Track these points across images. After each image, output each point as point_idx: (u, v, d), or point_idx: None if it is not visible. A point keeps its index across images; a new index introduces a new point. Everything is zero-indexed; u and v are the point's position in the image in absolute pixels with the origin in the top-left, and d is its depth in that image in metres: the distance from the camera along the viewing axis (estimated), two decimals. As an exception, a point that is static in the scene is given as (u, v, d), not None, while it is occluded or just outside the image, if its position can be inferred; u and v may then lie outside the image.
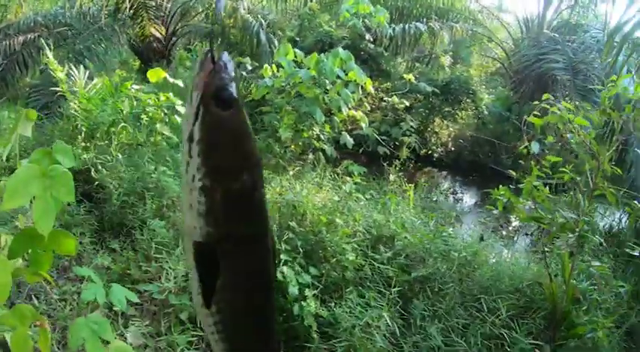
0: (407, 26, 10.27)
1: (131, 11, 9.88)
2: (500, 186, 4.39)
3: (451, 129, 10.93)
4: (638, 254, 4.56)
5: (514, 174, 4.66)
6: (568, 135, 4.35)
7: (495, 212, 5.00)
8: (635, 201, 5.45)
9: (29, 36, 10.91)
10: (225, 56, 0.95)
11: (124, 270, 3.96)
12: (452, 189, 9.23)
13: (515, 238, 7.61)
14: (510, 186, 4.58)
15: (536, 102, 4.54)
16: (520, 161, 4.71)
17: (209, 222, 0.99)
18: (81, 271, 3.18)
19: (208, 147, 0.95)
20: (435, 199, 7.96)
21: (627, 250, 4.69)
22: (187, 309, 3.46)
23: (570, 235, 4.25)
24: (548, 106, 4.30)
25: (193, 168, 0.96)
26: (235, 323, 1.17)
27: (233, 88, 0.95)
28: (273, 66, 6.02)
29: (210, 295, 1.08)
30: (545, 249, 4.40)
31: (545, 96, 4.37)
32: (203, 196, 0.97)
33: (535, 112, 4.44)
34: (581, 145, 4.29)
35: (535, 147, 4.44)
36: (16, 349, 1.44)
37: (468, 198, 9.07)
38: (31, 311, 1.45)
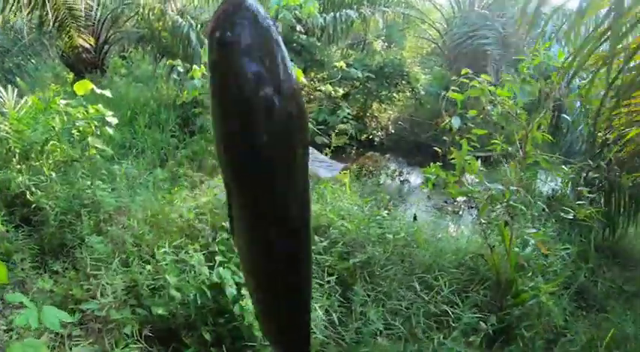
0: (338, 14, 10.33)
1: (57, 23, 9.56)
2: (433, 163, 4.49)
3: (390, 112, 11.10)
4: (573, 217, 4.72)
5: (439, 150, 4.78)
6: (489, 108, 4.47)
7: (426, 190, 5.11)
8: (569, 166, 5.71)
9: (-47, 56, 10.50)
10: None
11: (66, 291, 3.92)
12: (397, 171, 9.38)
13: (461, 213, 7.82)
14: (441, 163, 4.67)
15: (454, 78, 4.65)
16: (445, 138, 4.79)
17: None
18: (13, 298, 3.15)
19: (212, 86, 1.06)
20: (381, 183, 8.10)
21: (562, 214, 4.82)
22: (130, 322, 3.46)
23: (498, 206, 4.40)
24: (466, 80, 4.39)
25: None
26: (246, 252, 1.30)
27: (233, 30, 0.97)
28: (203, 66, 5.99)
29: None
30: (482, 221, 4.49)
31: (463, 71, 4.44)
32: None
33: (454, 87, 4.53)
34: (505, 116, 4.42)
35: (456, 123, 4.52)
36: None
37: (414, 178, 9.26)
38: None
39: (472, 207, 7.72)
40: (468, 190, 4.42)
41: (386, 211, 4.86)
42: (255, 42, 0.99)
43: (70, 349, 3.43)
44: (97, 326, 3.65)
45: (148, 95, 9.04)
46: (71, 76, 12.23)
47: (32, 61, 10.32)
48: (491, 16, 11.58)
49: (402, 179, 9.13)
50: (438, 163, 4.51)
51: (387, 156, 10.12)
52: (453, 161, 4.35)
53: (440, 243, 4.70)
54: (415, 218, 5.03)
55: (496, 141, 4.43)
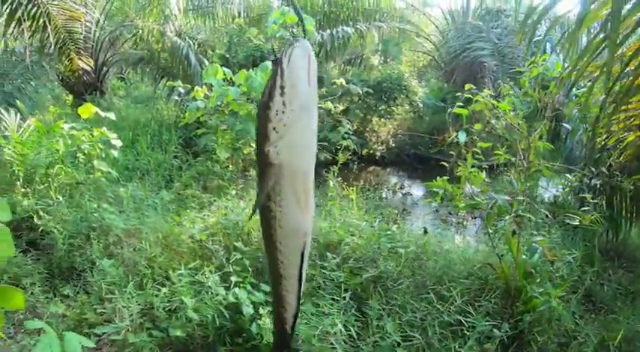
0: (335, 31, 10.45)
1: (57, 46, 9.65)
2: (439, 177, 4.54)
3: (390, 126, 11.16)
4: (578, 223, 4.77)
5: (447, 164, 4.84)
6: (493, 121, 4.55)
7: (434, 204, 5.16)
8: (570, 173, 5.75)
9: (-48, 79, 10.56)
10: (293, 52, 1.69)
11: (79, 315, 3.92)
12: (399, 185, 9.43)
13: (465, 223, 7.86)
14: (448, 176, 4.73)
15: (458, 94, 4.72)
16: (451, 152, 4.86)
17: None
18: (32, 324, 3.13)
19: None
20: (384, 197, 8.13)
21: (567, 221, 4.89)
22: (147, 346, 3.46)
23: (508, 217, 4.44)
24: (471, 95, 4.47)
25: None
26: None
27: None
28: (204, 87, 6.05)
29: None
30: (489, 230, 4.53)
31: (466, 87, 4.53)
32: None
33: (459, 103, 4.60)
34: (509, 128, 4.49)
35: (462, 137, 4.58)
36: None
37: (416, 191, 9.29)
38: None
39: (476, 217, 7.77)
40: (475, 203, 4.45)
41: (395, 226, 4.88)
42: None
43: (87, 374, 3.42)
44: (114, 350, 3.65)
45: (149, 116, 9.09)
46: (70, 98, 12.31)
47: (32, 83, 10.36)
48: (486, 27, 11.70)
49: (404, 192, 9.16)
50: (444, 177, 4.55)
51: (389, 170, 10.17)
52: (458, 174, 4.39)
53: (448, 254, 4.73)
54: (426, 231, 5.05)
55: (499, 151, 4.49)
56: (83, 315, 3.91)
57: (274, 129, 1.76)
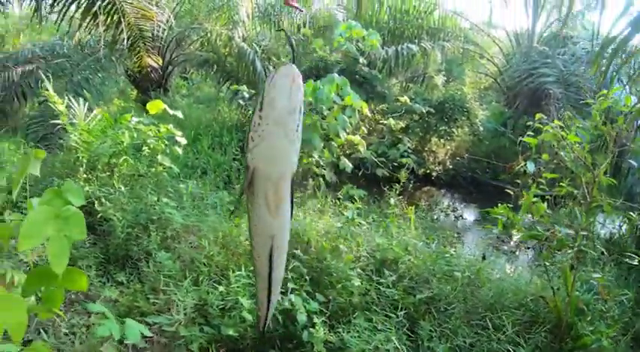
0: (399, 48, 10.44)
1: (128, 42, 9.99)
2: (500, 203, 4.47)
3: (448, 147, 11.00)
4: (638, 263, 4.60)
5: (513, 192, 4.75)
6: (562, 153, 4.44)
7: (495, 230, 5.04)
8: (631, 211, 5.53)
9: (27, 67, 11.12)
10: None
11: (131, 303, 3.98)
12: (451, 207, 9.26)
13: (517, 253, 7.65)
14: (509, 204, 4.64)
15: (529, 122, 4.64)
16: (517, 180, 4.76)
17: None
18: (94, 307, 3.22)
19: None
20: (435, 218, 8.00)
21: (627, 260, 4.74)
22: (197, 340, 3.49)
23: (569, 251, 4.31)
24: (540, 126, 4.40)
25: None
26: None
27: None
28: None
29: None
30: (546, 263, 4.45)
31: (536, 116, 4.48)
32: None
33: (529, 132, 4.53)
34: (576, 160, 4.38)
35: (530, 167, 4.51)
36: (31, 386, 1.47)
37: (468, 215, 9.10)
38: (47, 349, 1.49)
39: (529, 248, 7.56)
40: (537, 234, 4.36)
41: (453, 249, 4.79)
42: None
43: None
44: (164, 341, 3.68)
45: (210, 117, 9.25)
46: (135, 92, 12.73)
47: (99, 75, 10.75)
48: (552, 53, 11.41)
49: (456, 215, 8.99)
50: (505, 204, 4.47)
51: (443, 191, 10.01)
52: (521, 202, 4.32)
53: (501, 282, 4.62)
54: (484, 258, 4.93)
55: (562, 183, 4.39)
56: (135, 303, 3.97)
57: (251, 137, 2.09)
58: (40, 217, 1.26)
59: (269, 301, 2.66)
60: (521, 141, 4.66)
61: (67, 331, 3.77)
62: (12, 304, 1.29)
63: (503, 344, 3.73)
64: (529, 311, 4.18)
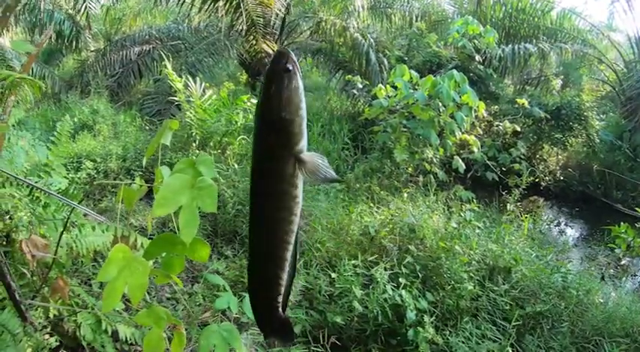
0: (516, 47, 9.98)
1: (245, 27, 10.32)
2: (617, 223, 4.19)
3: (560, 156, 10.38)
4: None
5: (638, 213, 4.43)
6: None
7: (618, 250, 4.72)
8: None
9: (144, 47, 11.91)
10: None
11: (237, 277, 4.15)
12: (557, 221, 8.76)
13: (624, 279, 7.15)
14: (633, 224, 4.34)
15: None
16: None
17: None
18: (214, 279, 3.35)
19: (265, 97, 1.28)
20: (541, 230, 7.63)
21: None
22: (302, 322, 3.54)
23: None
24: None
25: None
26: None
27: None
28: (387, 86, 6.08)
29: None
30: None
31: None
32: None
33: None
34: None
35: None
36: (148, 349, 1.52)
37: (574, 232, 8.57)
38: (167, 314, 1.52)
39: (636, 275, 7.01)
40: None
41: (570, 264, 4.54)
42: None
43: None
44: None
45: (318, 105, 9.35)
46: (245, 77, 13.15)
47: (213, 58, 11.19)
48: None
49: (560, 229, 8.49)
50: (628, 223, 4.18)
51: (550, 203, 9.49)
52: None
53: (612, 306, 4.33)
54: (603, 278, 4.64)
55: None
56: (241, 278, 4.13)
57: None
58: (176, 185, 1.28)
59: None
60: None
61: (169, 296, 4.00)
62: (136, 266, 1.34)
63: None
64: (635, 343, 3.92)
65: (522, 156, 8.25)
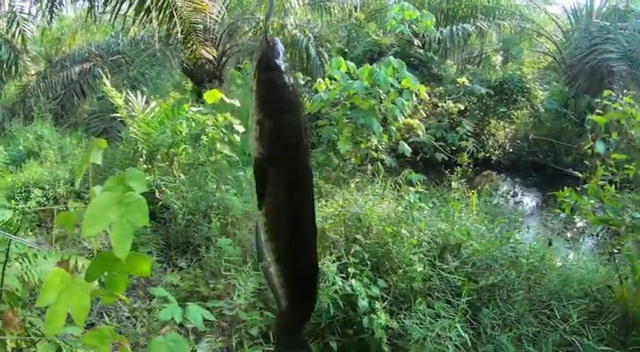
0: (454, 28, 10.13)
1: (182, 35, 10.16)
2: (565, 187, 4.26)
3: (507, 130, 10.62)
4: None
5: (580, 174, 4.52)
6: (633, 132, 4.21)
7: (562, 215, 4.81)
8: None
9: (85, 65, 11.62)
10: (277, 40, 1.44)
11: (192, 288, 4.09)
12: (512, 192, 8.95)
13: (581, 240, 7.33)
14: (576, 187, 4.42)
15: (598, 100, 4.42)
16: (585, 161, 4.53)
17: (261, 144, 1.43)
18: (157, 292, 3.29)
19: (259, 95, 1.41)
20: (495, 203, 7.77)
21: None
22: (257, 324, 3.53)
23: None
24: (609, 102, 4.19)
25: (252, 108, 1.42)
26: (277, 223, 1.55)
27: (280, 59, 1.42)
28: (327, 79, 6.07)
29: (262, 198, 1.48)
30: (614, 250, 4.26)
31: (605, 92, 4.27)
32: (256, 126, 1.42)
33: (598, 110, 4.32)
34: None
35: (600, 147, 4.27)
36: (95, 368, 1.50)
37: (530, 200, 8.77)
38: (111, 332, 1.50)
39: (593, 235, 7.20)
40: (607, 218, 4.14)
41: (517, 234, 4.61)
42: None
43: (197, 343, 3.54)
44: (224, 325, 3.75)
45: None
46: (190, 85, 12.97)
47: (155, 69, 11.01)
48: (613, 28, 10.77)
49: (516, 200, 8.68)
50: (571, 186, 4.27)
51: (503, 175, 9.69)
52: (585, 186, 4.12)
53: (565, 270, 4.41)
54: (550, 243, 4.72)
55: (629, 166, 4.14)
56: (196, 288, 4.08)
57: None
58: (103, 203, 1.27)
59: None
60: (588, 120, 4.45)
61: (128, 314, 3.91)
62: (75, 288, 1.32)
63: (569, 335, 3.56)
64: (594, 302, 3.96)
65: (470, 134, 8.39)
